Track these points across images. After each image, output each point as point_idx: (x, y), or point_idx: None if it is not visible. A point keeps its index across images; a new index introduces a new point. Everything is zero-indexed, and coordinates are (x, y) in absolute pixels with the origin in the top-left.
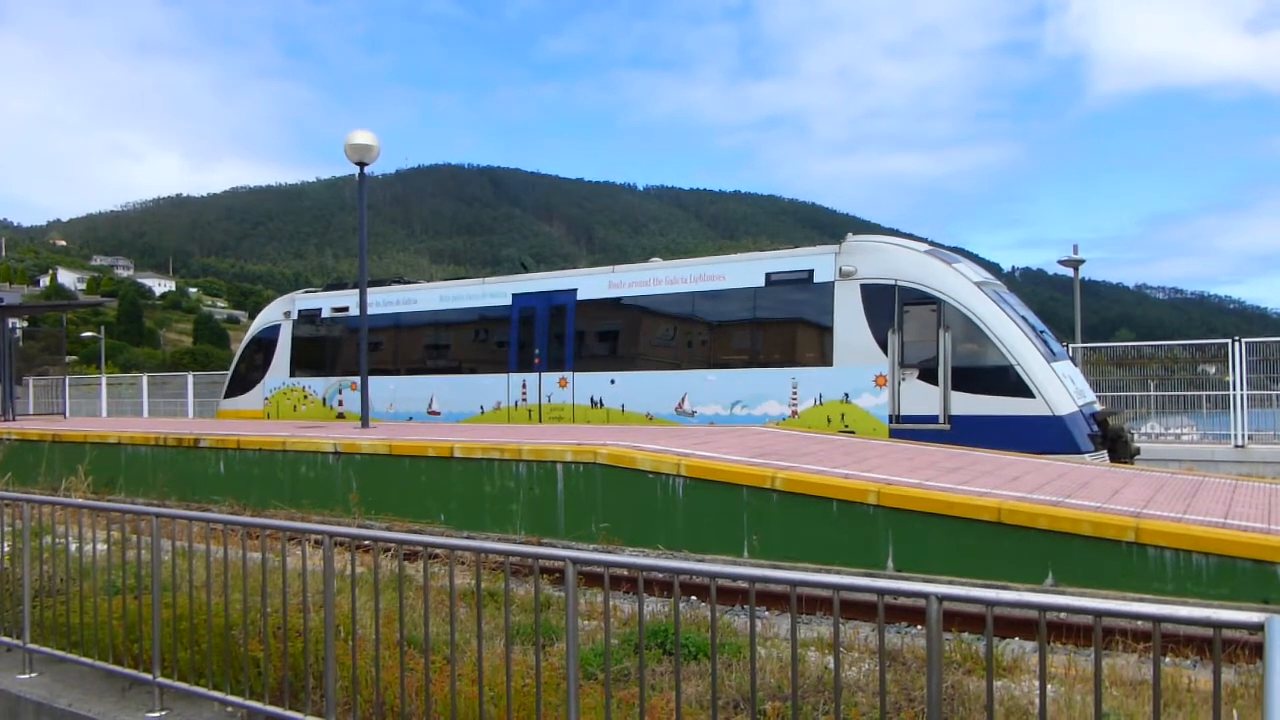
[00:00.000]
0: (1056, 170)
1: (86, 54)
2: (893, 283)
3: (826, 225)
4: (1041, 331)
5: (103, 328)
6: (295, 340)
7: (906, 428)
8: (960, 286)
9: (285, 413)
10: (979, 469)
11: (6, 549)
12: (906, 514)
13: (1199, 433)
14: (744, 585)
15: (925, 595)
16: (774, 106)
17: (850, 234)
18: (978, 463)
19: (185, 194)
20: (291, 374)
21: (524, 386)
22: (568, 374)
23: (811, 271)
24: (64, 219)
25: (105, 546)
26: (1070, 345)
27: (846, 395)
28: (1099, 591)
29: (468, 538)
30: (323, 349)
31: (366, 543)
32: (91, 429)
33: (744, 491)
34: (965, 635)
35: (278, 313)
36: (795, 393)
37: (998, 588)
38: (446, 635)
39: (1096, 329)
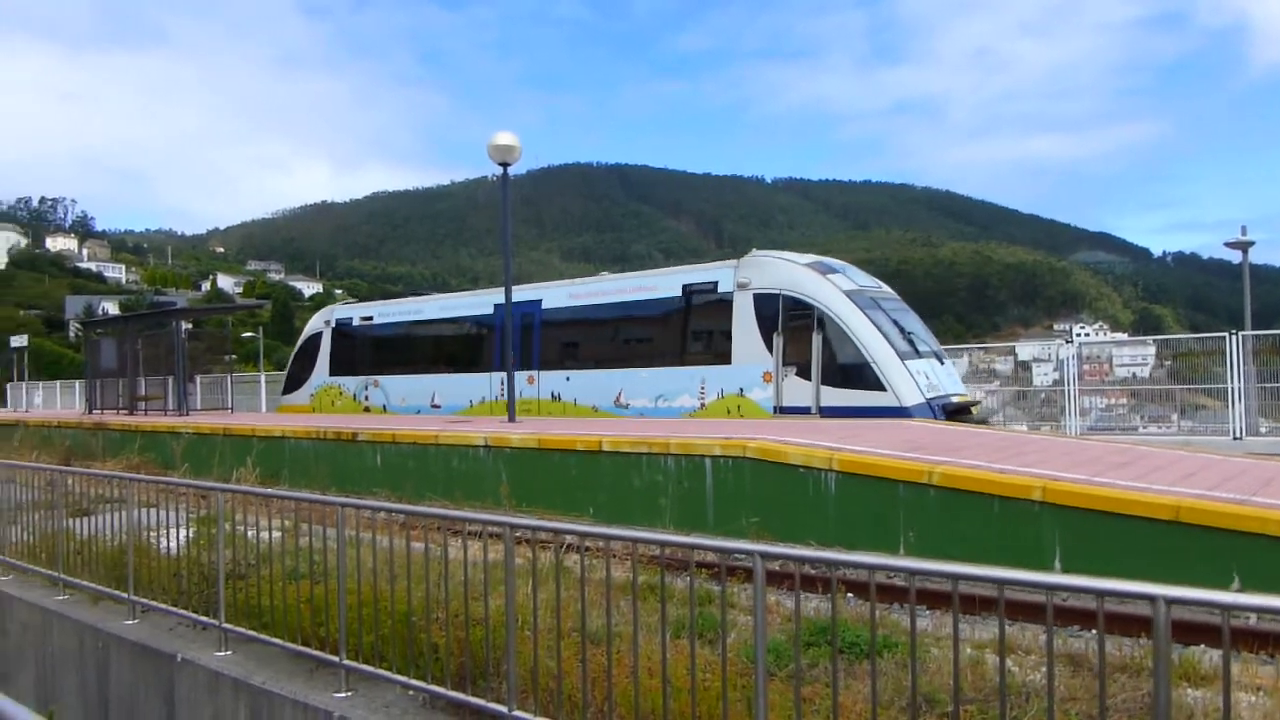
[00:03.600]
0: (1211, 148)
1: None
2: (778, 292)
3: (960, 212)
4: (910, 333)
5: (260, 328)
6: (333, 346)
7: (789, 419)
8: (831, 295)
9: (325, 407)
10: (1148, 464)
11: (195, 534)
12: (1074, 511)
13: None
14: (946, 588)
15: (1152, 598)
16: (906, 92)
17: (754, 250)
18: (1145, 458)
19: (330, 200)
20: (330, 374)
21: (501, 383)
22: (534, 373)
23: (716, 283)
24: (222, 227)
25: (279, 534)
26: (1238, 333)
27: (741, 390)
28: None
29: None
30: (354, 353)
31: (543, 535)
32: (257, 423)
33: (899, 487)
34: (1143, 640)
35: (320, 322)
36: (704, 388)
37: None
38: (618, 628)
39: (1257, 316)
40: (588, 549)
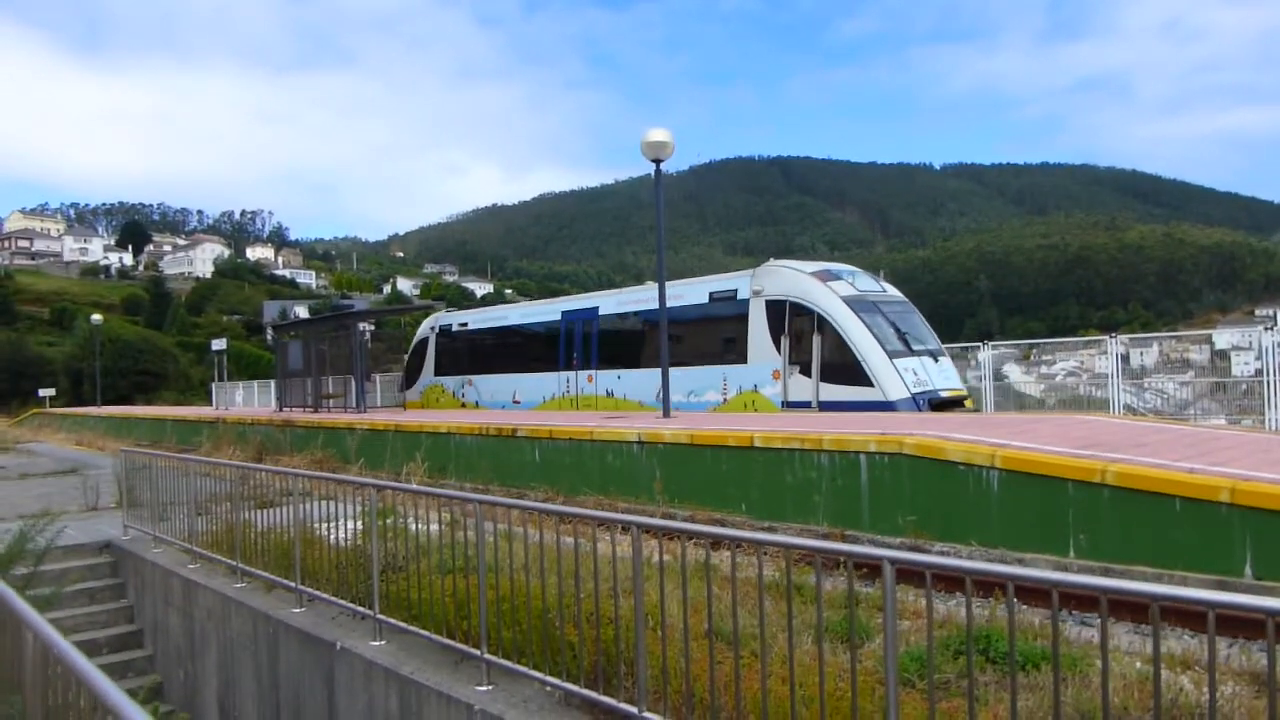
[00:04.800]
0: None
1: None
2: (784, 299)
3: (1148, 193)
4: (906, 334)
5: None
6: (437, 349)
7: (793, 413)
8: (829, 300)
9: (431, 403)
10: None
11: (360, 527)
12: (1269, 515)
13: None
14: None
15: None
16: (1088, 68)
17: (770, 260)
18: None
19: (500, 203)
20: (435, 374)
21: (567, 381)
22: (593, 372)
23: (736, 291)
24: (401, 232)
25: (439, 527)
26: None
27: (756, 386)
28: None
29: (768, 529)
30: (453, 355)
31: (672, 533)
32: (426, 420)
33: (1069, 486)
34: None
35: (427, 328)
36: (725, 384)
37: None
38: (752, 629)
39: None
40: (720, 545)
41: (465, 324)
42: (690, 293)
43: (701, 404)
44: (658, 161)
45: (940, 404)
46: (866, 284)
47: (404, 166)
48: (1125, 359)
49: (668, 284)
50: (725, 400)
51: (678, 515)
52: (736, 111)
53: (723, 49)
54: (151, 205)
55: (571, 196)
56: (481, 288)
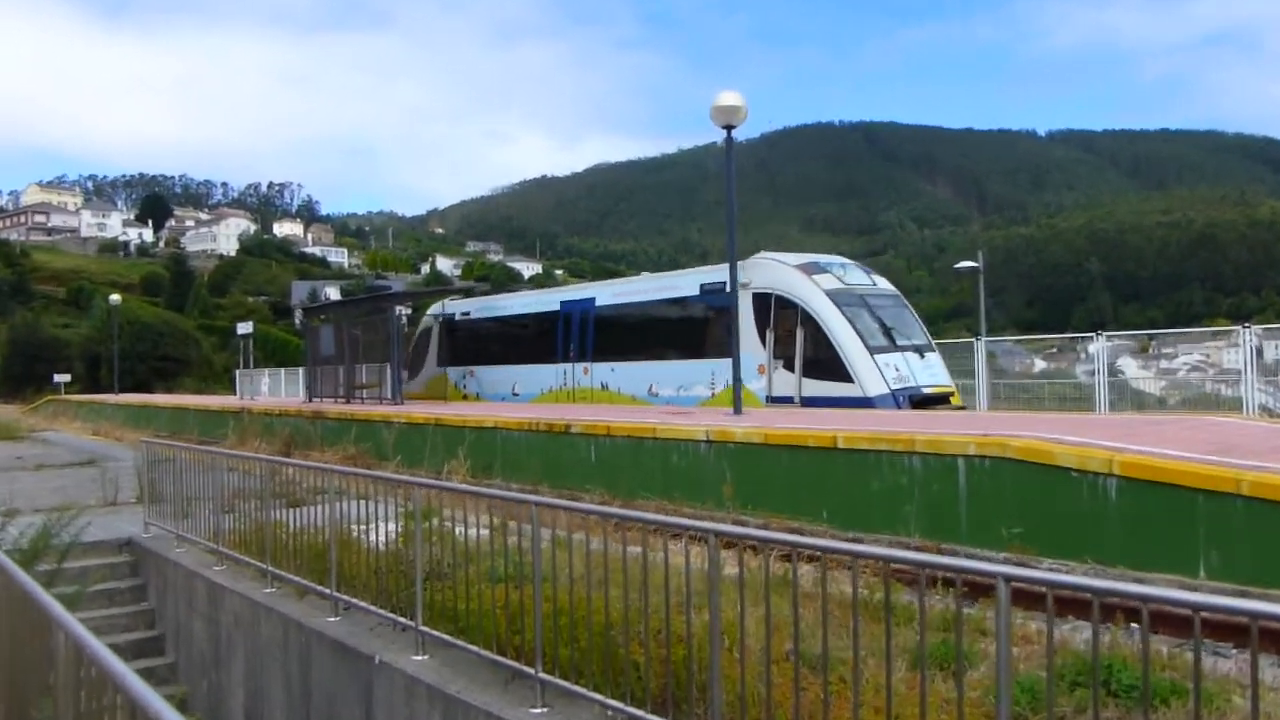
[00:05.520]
0: None
1: (459, 46)
2: (770, 292)
3: None
4: (891, 328)
5: None
6: (439, 339)
7: (778, 408)
8: (812, 294)
9: (435, 396)
10: None
11: (400, 530)
12: None
13: None
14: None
15: None
16: (1215, 21)
17: (761, 252)
18: None
19: (549, 175)
20: (438, 364)
21: (564, 374)
22: (589, 364)
23: (725, 283)
24: (441, 207)
25: (487, 532)
26: None
27: (742, 381)
28: None
29: (853, 540)
30: (456, 345)
31: (752, 542)
32: (469, 413)
33: (1199, 497)
34: None
35: (430, 317)
36: (714, 379)
37: None
38: (840, 653)
39: None
40: (806, 558)
41: (468, 313)
42: (683, 284)
43: (690, 398)
44: (729, 128)
45: (922, 400)
46: (855, 277)
47: (444, 135)
48: (1259, 352)
49: (656, 277)
50: (713, 395)
51: (750, 523)
52: (810, 73)
53: (786, 6)
54: (173, 177)
55: (628, 167)
56: (529, 268)
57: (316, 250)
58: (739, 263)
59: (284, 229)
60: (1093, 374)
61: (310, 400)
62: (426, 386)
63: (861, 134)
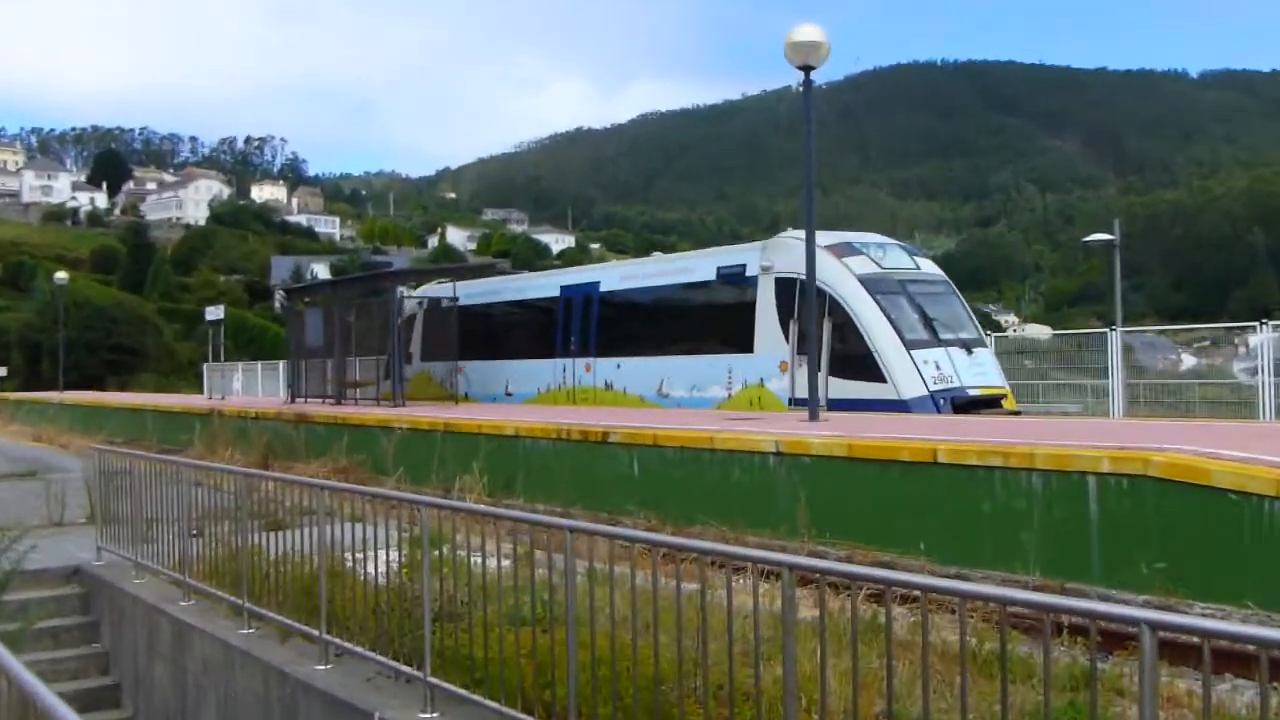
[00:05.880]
0: None
1: None
2: (795, 276)
3: None
4: (934, 320)
5: None
6: (424, 328)
7: (800, 411)
8: (841, 279)
9: (417, 395)
10: None
11: (403, 559)
12: None
13: None
14: None
15: None
16: None
17: (788, 230)
18: None
19: (586, 127)
20: (422, 359)
21: (564, 370)
22: (592, 360)
23: (744, 266)
24: (453, 166)
25: (509, 563)
26: None
27: (762, 380)
28: None
29: (956, 576)
30: (442, 336)
31: (835, 578)
32: (485, 418)
33: None
34: None
35: (414, 303)
36: (731, 378)
37: None
38: (943, 715)
39: None
40: (900, 599)
41: (455, 299)
42: (697, 267)
43: (704, 400)
44: (807, 69)
45: (967, 404)
46: (895, 259)
47: (457, 80)
48: None
49: (669, 259)
50: (730, 396)
51: (830, 555)
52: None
53: None
54: (132, 130)
55: (682, 118)
56: (559, 241)
57: (302, 219)
58: (763, 243)
59: (264, 193)
60: (1255, 373)
61: (293, 401)
62: (410, 384)
63: (969, 77)
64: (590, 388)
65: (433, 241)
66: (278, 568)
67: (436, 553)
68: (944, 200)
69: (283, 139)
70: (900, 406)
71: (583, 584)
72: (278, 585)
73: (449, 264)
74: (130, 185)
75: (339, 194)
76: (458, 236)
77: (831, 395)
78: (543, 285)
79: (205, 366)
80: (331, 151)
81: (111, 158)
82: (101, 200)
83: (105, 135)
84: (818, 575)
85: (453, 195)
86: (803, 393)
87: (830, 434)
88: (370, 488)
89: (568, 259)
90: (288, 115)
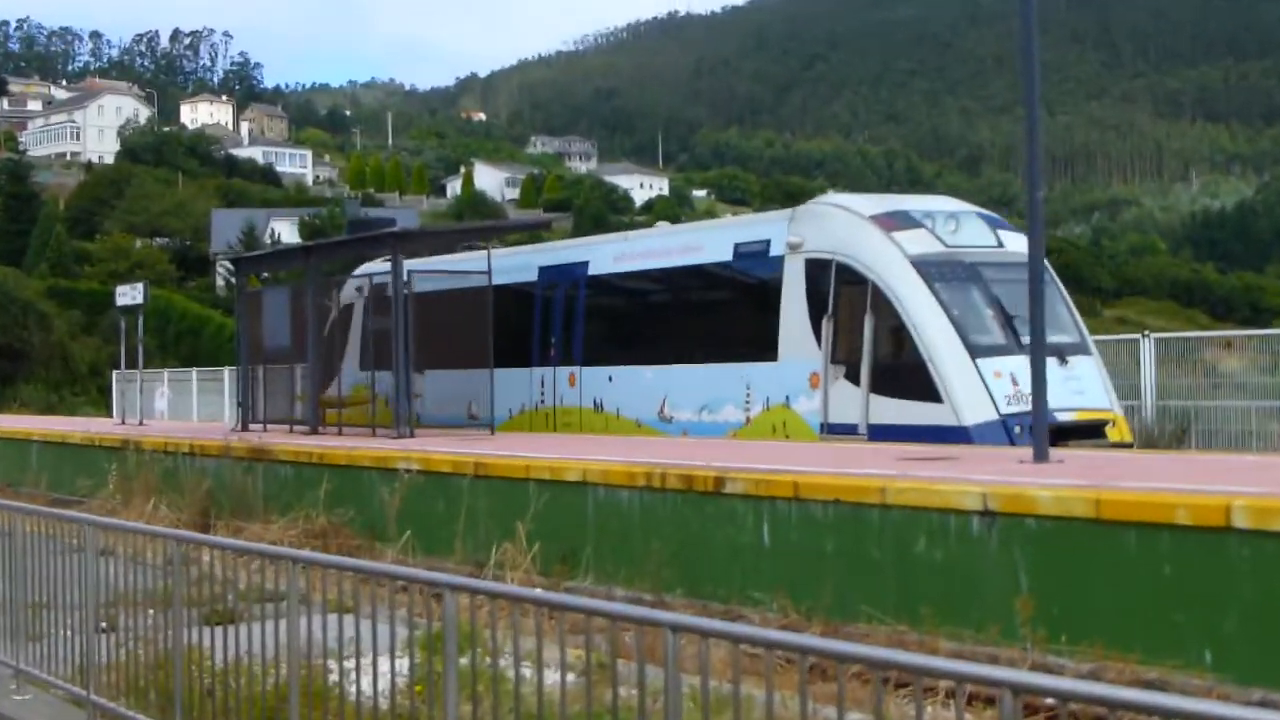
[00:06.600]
0: None
1: None
2: (830, 258)
3: None
4: (1014, 316)
5: None
6: (365, 323)
7: (836, 440)
8: (889, 261)
9: (355, 417)
10: None
11: (412, 670)
12: None
13: None
14: None
15: None
16: None
17: (828, 193)
18: None
19: (682, 12)
20: (361, 366)
21: (542, 384)
22: (576, 369)
23: (768, 242)
24: (482, 74)
25: (574, 677)
26: None
27: (787, 398)
28: None
29: (1263, 702)
30: (388, 334)
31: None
32: (534, 455)
33: None
34: None
35: (352, 289)
36: (749, 395)
37: None
38: None
39: None
40: None
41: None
42: (709, 243)
43: (716, 426)
44: None
45: (1055, 432)
46: (970, 234)
47: None
48: None
49: (674, 231)
50: (748, 421)
51: (1067, 669)
52: None
53: None
54: (7, 24)
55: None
56: (646, 184)
57: (257, 153)
58: (791, 211)
59: (199, 114)
60: None
61: (245, 428)
62: (349, 400)
63: None
64: (574, 408)
65: (454, 187)
66: (226, 680)
67: (465, 660)
68: (1235, 123)
69: (226, 34)
70: (960, 435)
71: (690, 711)
72: (227, 707)
73: (480, 222)
74: (3, 105)
75: (310, 116)
76: (491, 179)
77: (874, 419)
78: (514, 265)
79: (115, 375)
80: (299, 53)
81: None
82: None
83: None
84: (1052, 700)
85: (482, 116)
86: (838, 416)
87: (1066, 483)
88: (363, 560)
89: (658, 213)
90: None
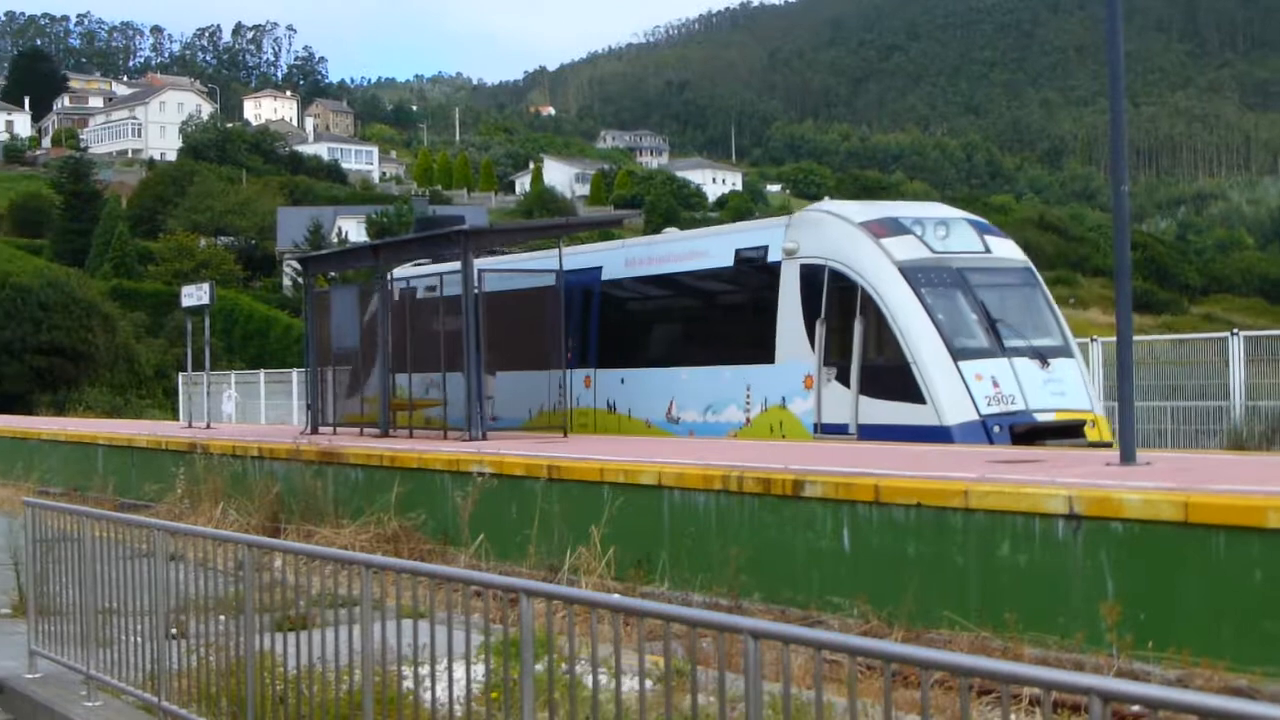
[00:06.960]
0: None
1: None
2: (822, 263)
3: None
4: (999, 320)
5: None
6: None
7: (827, 440)
8: (877, 267)
9: (369, 418)
10: None
11: (487, 676)
12: None
13: None
14: None
15: None
16: None
17: (824, 200)
18: None
19: (755, 2)
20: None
21: (559, 386)
22: (591, 371)
23: (766, 249)
24: (551, 67)
25: (652, 684)
26: None
27: (784, 399)
28: None
29: None
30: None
31: (1170, 711)
32: (612, 458)
33: None
34: None
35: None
36: (749, 396)
37: None
38: None
39: None
40: None
41: (432, 287)
42: (712, 249)
43: (719, 426)
44: None
45: (1030, 432)
46: (958, 240)
47: None
48: None
49: (683, 237)
50: (748, 421)
51: (1154, 675)
52: None
53: None
54: (66, 20)
55: None
56: (720, 179)
57: (323, 150)
58: (787, 218)
59: (262, 110)
60: None
61: (314, 431)
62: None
63: None
64: (589, 409)
65: (522, 183)
66: (298, 687)
67: (540, 666)
68: None
69: (289, 28)
70: (941, 435)
71: (770, 718)
72: (299, 714)
73: (551, 219)
74: (64, 102)
75: (376, 111)
76: (561, 174)
77: (863, 419)
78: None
79: (181, 378)
80: (364, 47)
81: (36, 60)
82: (22, 125)
83: (25, 26)
84: (1141, 707)
85: (551, 111)
86: (831, 416)
87: (1155, 485)
88: (436, 565)
89: (731, 210)
90: None
